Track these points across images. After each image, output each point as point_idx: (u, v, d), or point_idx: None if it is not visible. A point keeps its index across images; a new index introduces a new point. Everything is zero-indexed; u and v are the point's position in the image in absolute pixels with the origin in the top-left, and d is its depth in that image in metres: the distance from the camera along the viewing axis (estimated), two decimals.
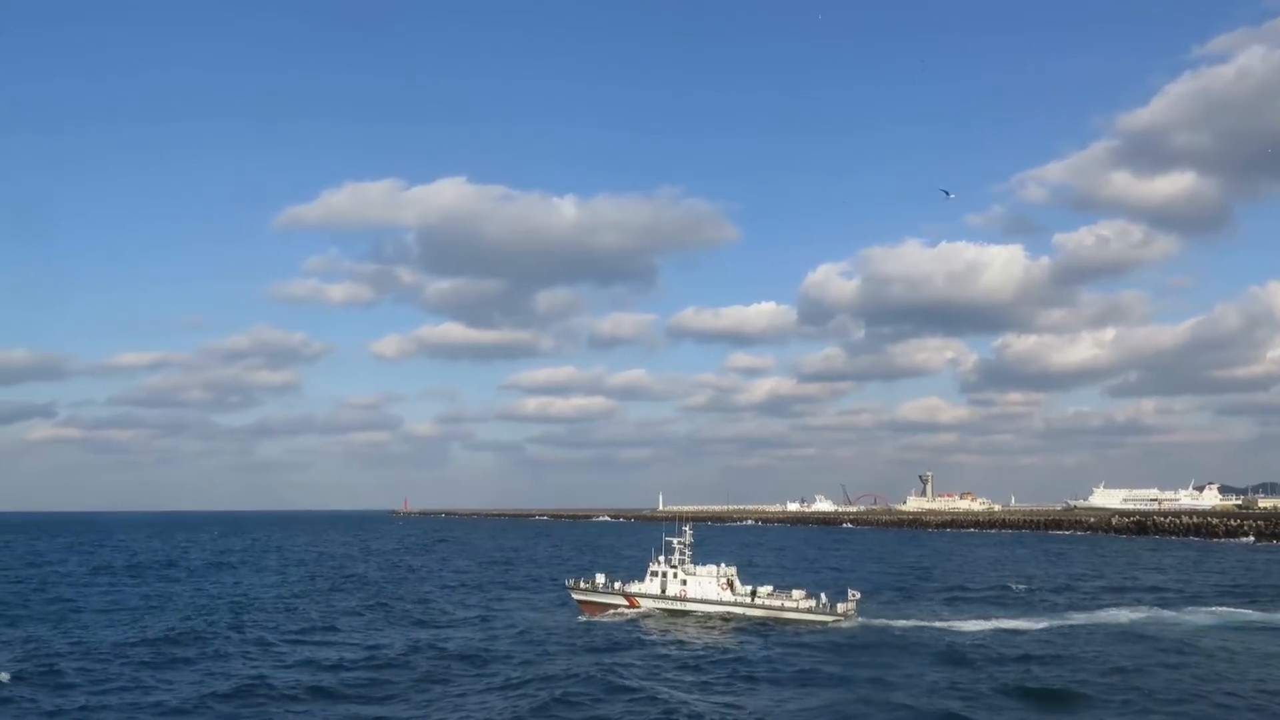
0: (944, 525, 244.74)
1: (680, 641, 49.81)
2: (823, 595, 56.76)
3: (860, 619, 54.61)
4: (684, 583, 59.78)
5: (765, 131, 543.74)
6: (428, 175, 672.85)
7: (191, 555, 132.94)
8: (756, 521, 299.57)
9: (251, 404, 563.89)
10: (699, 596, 58.98)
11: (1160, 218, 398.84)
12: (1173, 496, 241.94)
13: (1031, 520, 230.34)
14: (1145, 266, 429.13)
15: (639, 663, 43.79)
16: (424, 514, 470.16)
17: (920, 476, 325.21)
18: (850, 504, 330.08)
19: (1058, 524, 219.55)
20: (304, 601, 69.84)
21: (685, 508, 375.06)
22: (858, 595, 56.16)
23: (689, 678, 40.61)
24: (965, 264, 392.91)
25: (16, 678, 39.55)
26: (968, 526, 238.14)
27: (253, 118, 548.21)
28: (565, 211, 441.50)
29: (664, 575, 60.69)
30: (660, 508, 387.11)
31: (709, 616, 57.40)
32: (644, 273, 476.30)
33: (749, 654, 45.79)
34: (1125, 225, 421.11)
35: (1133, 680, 38.15)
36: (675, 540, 61.22)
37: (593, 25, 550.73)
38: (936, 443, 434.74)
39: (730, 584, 59.14)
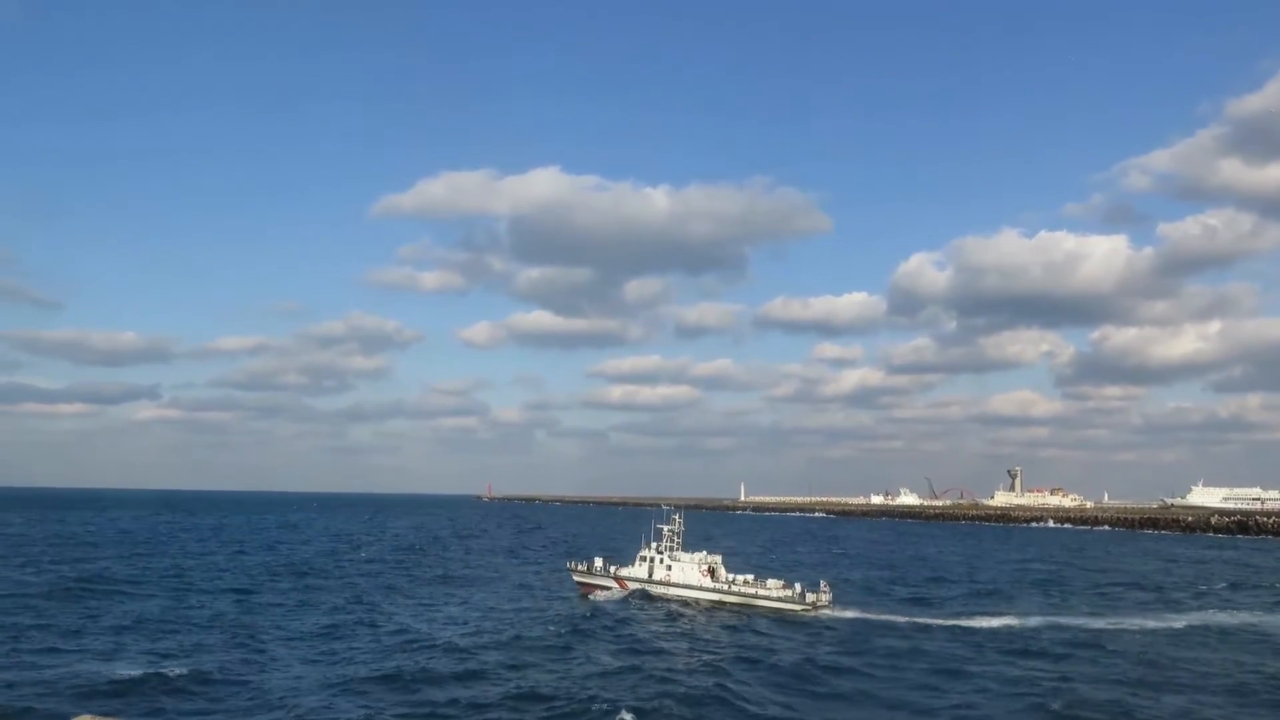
0: (1031, 521, 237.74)
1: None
2: (798, 585, 57.54)
3: (833, 610, 55.05)
4: (669, 568, 61.06)
5: (859, 120, 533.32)
6: (522, 165, 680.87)
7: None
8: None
9: (345, 388, 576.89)
10: (681, 582, 60.31)
11: (1272, 206, 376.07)
12: (1277, 496, 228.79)
13: (1125, 518, 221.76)
14: (1255, 257, 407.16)
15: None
16: (508, 499, 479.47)
17: (1009, 471, 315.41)
18: (935, 498, 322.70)
19: (1153, 522, 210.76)
20: None
21: (767, 498, 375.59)
22: (829, 586, 57.43)
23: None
24: (1064, 254, 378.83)
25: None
26: (1057, 523, 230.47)
27: (352, 105, 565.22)
28: (657, 201, 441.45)
29: (651, 561, 62.02)
30: (742, 498, 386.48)
31: (688, 601, 58.66)
32: (734, 262, 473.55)
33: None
34: (1234, 214, 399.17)
35: None
36: (665, 528, 62.47)
37: (687, 14, 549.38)
38: (1028, 437, 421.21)
39: (712, 571, 60.32)
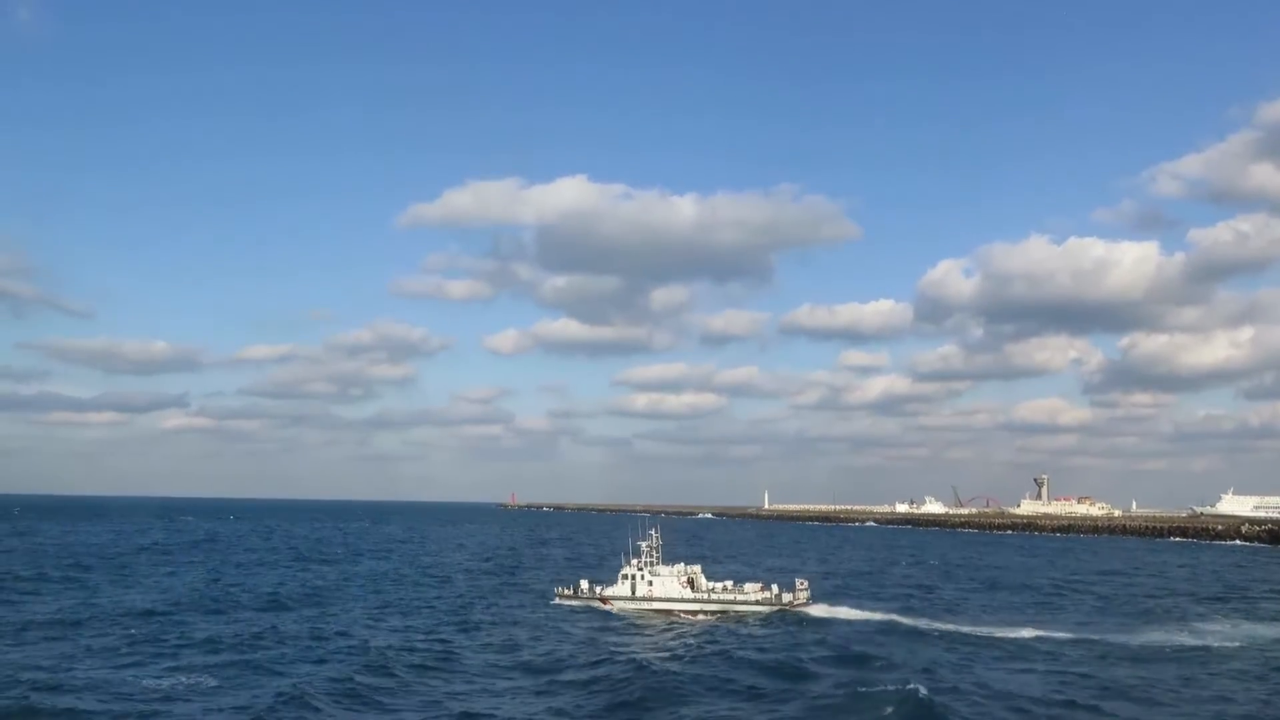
0: (1058, 530, 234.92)
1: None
2: (775, 586, 60.86)
3: (810, 607, 58.67)
4: (650, 584, 62.16)
5: (886, 126, 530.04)
6: (548, 174, 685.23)
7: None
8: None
9: (371, 396, 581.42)
10: (662, 595, 61.59)
11: None
12: None
13: (1153, 527, 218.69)
14: None
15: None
16: (532, 506, 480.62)
17: (1035, 479, 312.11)
18: (961, 506, 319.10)
19: (1182, 531, 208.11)
20: None
21: (791, 506, 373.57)
22: (806, 584, 60.72)
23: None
24: (1093, 261, 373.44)
25: None
26: (1085, 532, 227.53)
27: (378, 114, 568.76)
28: (684, 210, 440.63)
29: (633, 578, 62.92)
30: (765, 506, 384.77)
31: (670, 613, 60.08)
32: (760, 270, 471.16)
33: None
34: (1267, 219, 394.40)
35: None
36: (644, 544, 63.46)
37: (714, 21, 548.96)
38: (1056, 445, 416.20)
39: (691, 582, 61.90)
